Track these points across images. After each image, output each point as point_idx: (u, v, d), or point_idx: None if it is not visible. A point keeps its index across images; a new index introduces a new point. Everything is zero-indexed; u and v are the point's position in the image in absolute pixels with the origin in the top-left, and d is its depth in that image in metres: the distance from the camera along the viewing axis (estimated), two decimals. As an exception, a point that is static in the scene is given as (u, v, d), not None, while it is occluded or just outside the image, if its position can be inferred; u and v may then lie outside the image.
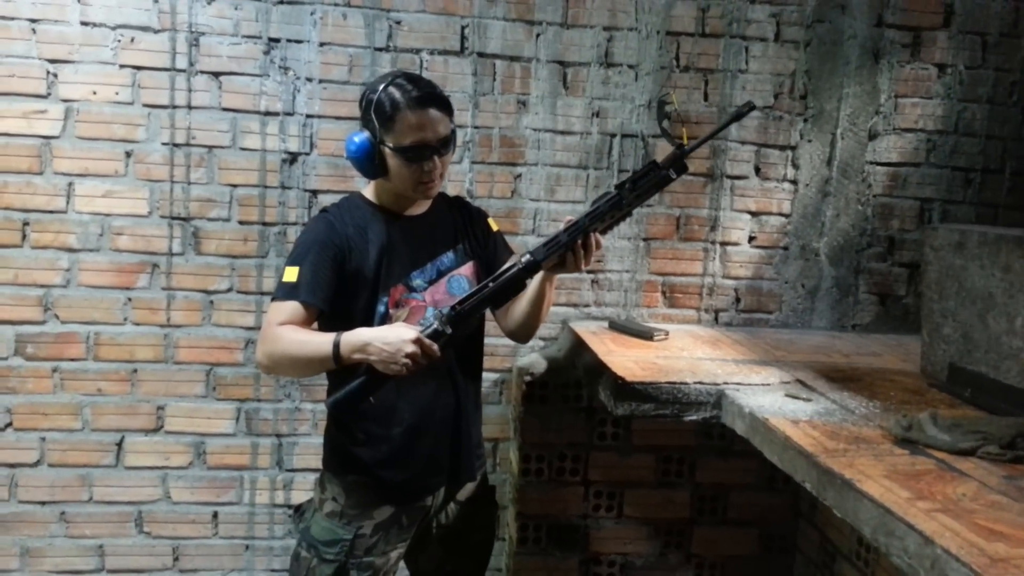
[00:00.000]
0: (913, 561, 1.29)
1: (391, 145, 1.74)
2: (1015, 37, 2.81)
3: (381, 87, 1.75)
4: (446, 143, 1.78)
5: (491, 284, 1.72)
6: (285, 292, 1.76)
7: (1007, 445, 1.63)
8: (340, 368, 1.70)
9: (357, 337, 1.66)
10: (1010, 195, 2.88)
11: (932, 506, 1.38)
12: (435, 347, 1.65)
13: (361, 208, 1.85)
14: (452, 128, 1.79)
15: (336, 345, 1.66)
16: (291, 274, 1.76)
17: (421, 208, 1.89)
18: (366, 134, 1.77)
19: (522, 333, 1.92)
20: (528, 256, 1.72)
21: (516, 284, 1.73)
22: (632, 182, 1.71)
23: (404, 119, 1.72)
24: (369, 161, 1.77)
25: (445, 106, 1.78)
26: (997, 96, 2.83)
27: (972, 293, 2.04)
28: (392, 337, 1.63)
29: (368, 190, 1.89)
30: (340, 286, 1.78)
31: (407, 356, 1.62)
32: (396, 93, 1.73)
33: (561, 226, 1.72)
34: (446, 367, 1.85)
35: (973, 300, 2.03)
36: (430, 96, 1.76)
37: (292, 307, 1.74)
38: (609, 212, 1.71)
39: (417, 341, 1.62)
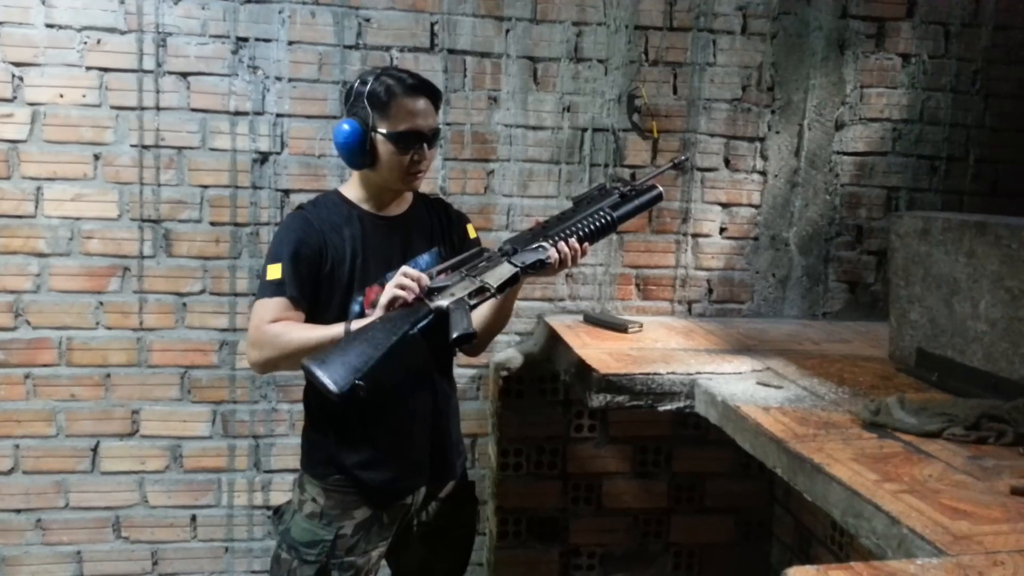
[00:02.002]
0: (881, 541, 1.32)
1: (384, 131, 1.76)
2: (976, 27, 2.86)
3: (373, 78, 1.78)
4: (436, 134, 1.83)
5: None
6: (272, 289, 1.75)
7: (972, 426, 1.66)
8: None
9: (361, 321, 1.69)
10: (974, 182, 2.93)
11: (899, 487, 1.40)
12: (419, 276, 1.67)
13: (338, 206, 1.85)
14: (438, 122, 1.84)
15: (347, 329, 1.67)
16: (274, 271, 1.76)
17: (399, 208, 1.89)
18: (356, 122, 1.77)
19: (480, 342, 1.92)
20: (509, 266, 1.74)
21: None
22: (614, 205, 1.83)
23: (400, 105, 1.76)
24: (359, 149, 1.77)
25: (437, 98, 1.84)
26: (960, 85, 2.88)
27: (938, 279, 2.07)
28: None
29: (346, 188, 1.89)
30: (317, 283, 1.78)
31: (396, 288, 1.65)
32: (391, 81, 1.77)
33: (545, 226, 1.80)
34: (423, 367, 1.86)
35: (939, 285, 2.07)
36: (425, 85, 1.81)
37: (281, 303, 1.74)
38: (598, 233, 1.81)
39: (403, 274, 1.66)
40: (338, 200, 1.87)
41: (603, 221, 1.82)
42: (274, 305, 1.74)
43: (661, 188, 1.91)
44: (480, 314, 1.80)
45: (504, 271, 1.73)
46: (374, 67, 1.85)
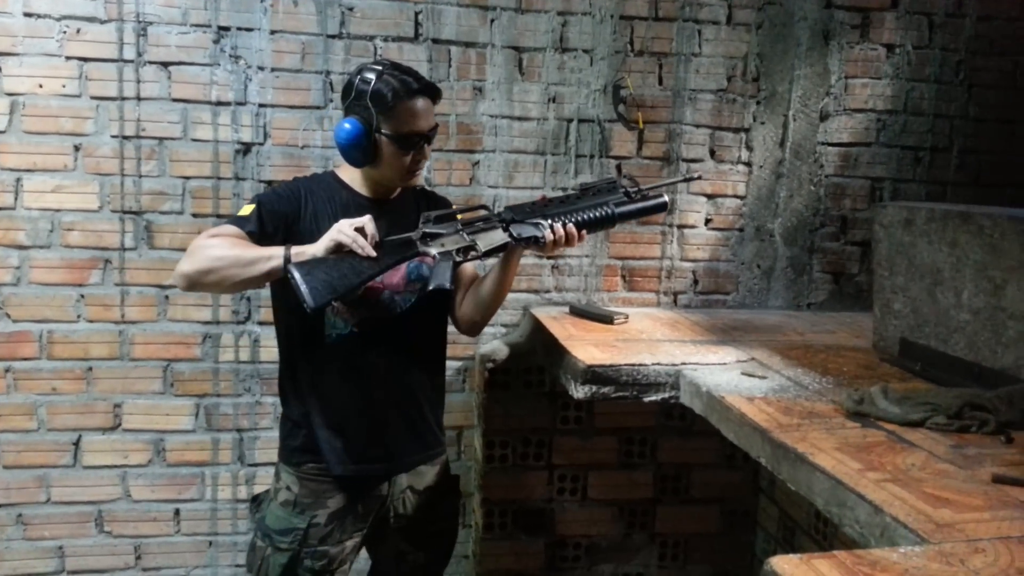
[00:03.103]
0: (864, 530, 1.32)
1: (388, 133, 1.76)
2: (960, 17, 2.87)
3: (375, 76, 1.76)
4: (434, 132, 1.85)
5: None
6: (232, 220, 1.78)
7: (954, 416, 1.67)
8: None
9: (301, 247, 1.68)
10: (958, 172, 2.95)
11: (882, 476, 1.41)
12: (369, 230, 1.68)
13: (332, 184, 1.87)
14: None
15: (287, 252, 1.66)
16: (245, 210, 1.78)
17: (388, 195, 1.90)
18: (358, 121, 1.76)
19: (481, 318, 1.93)
20: (503, 234, 1.78)
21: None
22: (618, 203, 1.84)
23: (405, 108, 1.77)
24: (360, 148, 1.77)
25: (437, 97, 1.86)
26: (944, 75, 2.89)
27: (921, 269, 2.08)
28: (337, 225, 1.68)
29: (342, 171, 1.90)
30: (287, 236, 1.76)
31: (349, 230, 1.66)
32: (395, 83, 1.77)
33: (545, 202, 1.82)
34: (402, 351, 1.86)
35: (922, 276, 2.08)
36: (429, 87, 1.83)
37: (233, 230, 1.74)
38: (597, 223, 1.82)
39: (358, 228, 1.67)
40: (332, 180, 1.88)
41: (604, 213, 1.82)
42: (225, 228, 1.74)
43: (667, 199, 1.91)
44: (483, 290, 1.87)
45: (496, 237, 1.77)
46: (374, 61, 1.83)
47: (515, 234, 1.76)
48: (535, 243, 1.77)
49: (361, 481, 1.86)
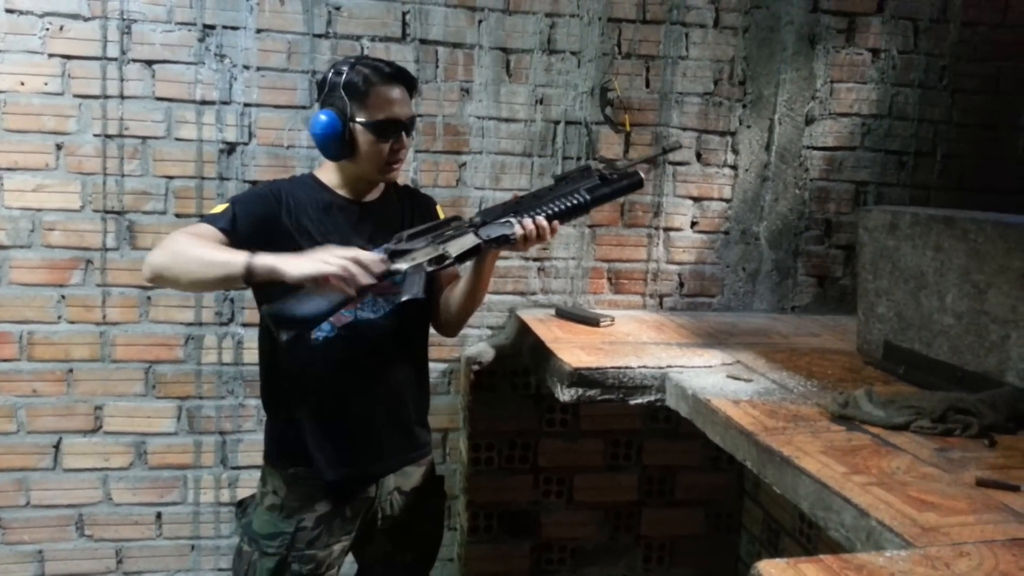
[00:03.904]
0: (850, 534, 1.32)
1: (363, 120, 1.75)
2: (944, 23, 2.89)
3: (347, 67, 1.76)
4: (412, 122, 1.83)
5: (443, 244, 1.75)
6: (206, 217, 1.75)
7: (938, 419, 1.68)
8: (252, 284, 1.65)
9: (272, 255, 1.60)
10: (941, 177, 2.97)
11: (867, 480, 1.41)
12: (375, 262, 1.62)
13: (311, 187, 1.84)
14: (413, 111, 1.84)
15: (249, 259, 1.58)
16: (218, 209, 1.75)
17: (372, 196, 1.88)
18: (333, 112, 1.75)
19: (456, 320, 1.93)
20: (473, 237, 1.75)
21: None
22: (594, 186, 1.81)
23: (377, 93, 1.76)
24: (338, 140, 1.75)
25: (412, 86, 1.84)
26: (928, 80, 2.91)
27: (905, 272, 2.09)
28: (317, 253, 1.60)
29: (321, 172, 1.87)
30: (261, 246, 1.67)
31: (344, 260, 1.57)
32: (366, 70, 1.76)
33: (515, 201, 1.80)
34: (386, 352, 1.84)
35: (906, 279, 2.09)
36: (401, 73, 1.81)
37: (207, 228, 1.70)
38: (570, 213, 1.79)
39: (350, 258, 1.58)
40: (311, 182, 1.85)
41: (576, 201, 1.80)
42: (198, 227, 1.71)
43: (643, 175, 1.88)
44: (457, 292, 1.87)
45: (466, 242, 1.75)
46: (346, 56, 1.83)
47: (485, 236, 1.74)
48: (506, 241, 1.75)
49: (351, 484, 1.85)
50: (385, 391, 1.86)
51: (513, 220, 1.75)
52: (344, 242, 1.73)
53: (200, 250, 1.63)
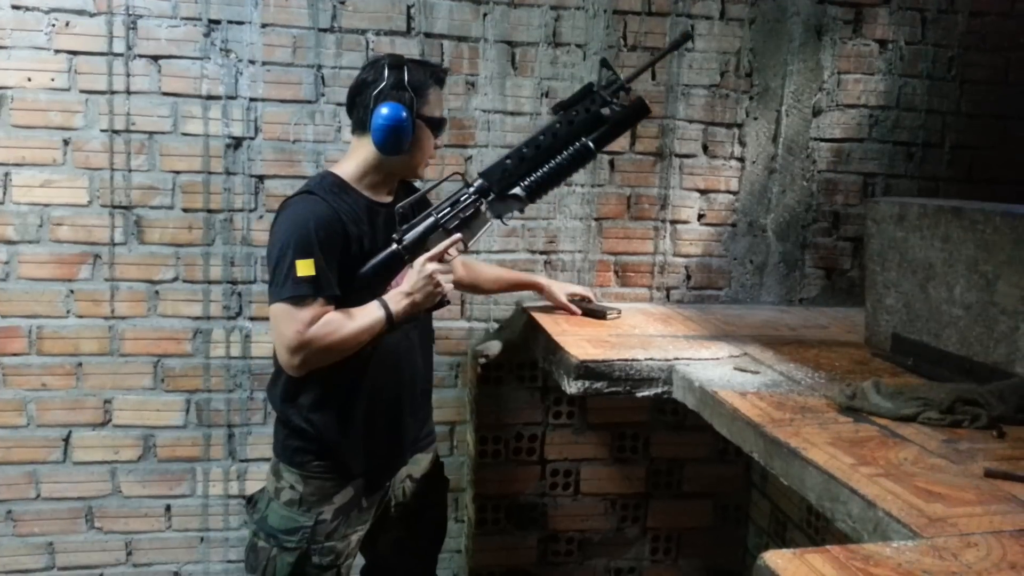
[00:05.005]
0: (857, 525, 1.32)
1: (426, 116, 1.81)
2: (952, 13, 2.87)
3: (404, 65, 1.80)
4: None
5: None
6: (307, 288, 1.69)
7: (946, 410, 1.67)
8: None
9: (398, 295, 1.75)
10: (950, 168, 2.95)
11: (875, 471, 1.41)
12: (444, 253, 1.78)
13: (344, 191, 1.82)
14: None
15: (387, 312, 1.73)
16: (306, 267, 1.68)
17: (390, 195, 1.90)
18: (400, 105, 1.76)
19: (470, 291, 2.15)
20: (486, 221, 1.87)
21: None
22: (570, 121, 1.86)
23: (435, 92, 1.84)
24: (404, 132, 1.77)
25: None
26: (936, 71, 2.89)
27: (913, 264, 2.09)
28: (418, 278, 1.74)
29: (343, 171, 1.85)
30: (340, 264, 1.76)
31: (437, 276, 1.76)
32: (427, 70, 1.84)
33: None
34: (413, 343, 1.90)
35: (914, 271, 2.08)
36: (446, 74, 1.95)
37: (319, 303, 1.70)
38: (576, 163, 1.88)
39: (431, 259, 1.76)
40: (341, 184, 1.82)
41: (579, 150, 1.84)
42: (311, 307, 1.69)
43: (646, 103, 1.87)
44: (486, 280, 2.21)
45: (478, 226, 1.85)
46: (385, 55, 1.86)
47: (496, 215, 1.86)
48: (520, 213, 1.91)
49: (375, 475, 1.86)
50: (410, 382, 1.89)
51: (521, 195, 1.85)
52: (385, 245, 1.80)
53: (340, 335, 1.70)
